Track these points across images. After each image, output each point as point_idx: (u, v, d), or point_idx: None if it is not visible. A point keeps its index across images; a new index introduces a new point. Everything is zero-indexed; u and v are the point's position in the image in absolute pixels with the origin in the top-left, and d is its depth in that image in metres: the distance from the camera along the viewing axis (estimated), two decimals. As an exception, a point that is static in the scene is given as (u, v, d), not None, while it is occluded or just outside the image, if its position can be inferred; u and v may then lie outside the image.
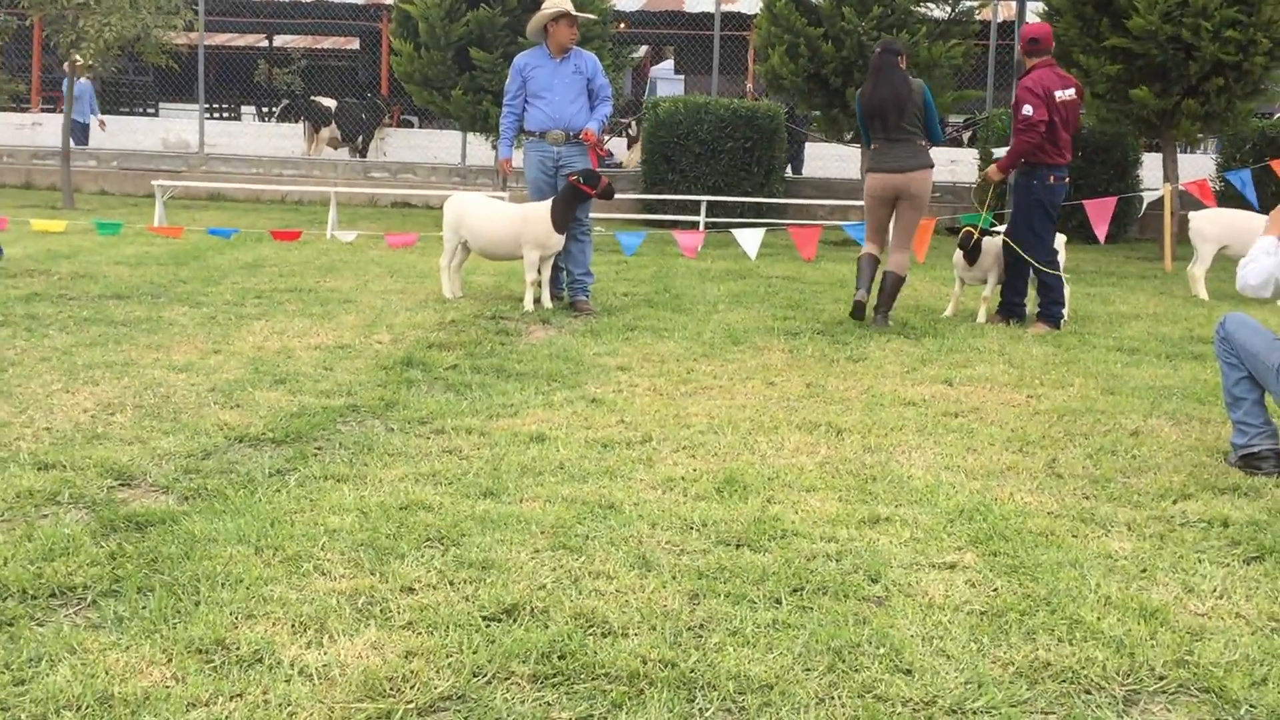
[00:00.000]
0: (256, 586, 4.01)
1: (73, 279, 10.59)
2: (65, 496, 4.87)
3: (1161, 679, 3.59)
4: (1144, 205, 16.45)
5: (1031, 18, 16.79)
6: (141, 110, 28.66)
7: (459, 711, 3.32)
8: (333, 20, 30.77)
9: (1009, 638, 3.81)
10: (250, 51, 35.84)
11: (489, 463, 5.52)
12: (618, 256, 13.33)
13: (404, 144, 24.38)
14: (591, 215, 10.55)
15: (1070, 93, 9.69)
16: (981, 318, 9.91)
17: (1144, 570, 4.41)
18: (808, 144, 22.29)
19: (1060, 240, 10.00)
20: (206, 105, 23.92)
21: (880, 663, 3.62)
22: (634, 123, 23.29)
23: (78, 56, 18.36)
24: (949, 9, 17.80)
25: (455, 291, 10.36)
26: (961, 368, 7.95)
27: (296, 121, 24.71)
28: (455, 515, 4.76)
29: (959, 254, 9.99)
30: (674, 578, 4.20)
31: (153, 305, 9.37)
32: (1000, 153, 11.20)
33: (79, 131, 22.46)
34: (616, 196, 10.77)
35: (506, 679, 3.47)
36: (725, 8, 22.55)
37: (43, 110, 26.22)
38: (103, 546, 4.32)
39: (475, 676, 3.47)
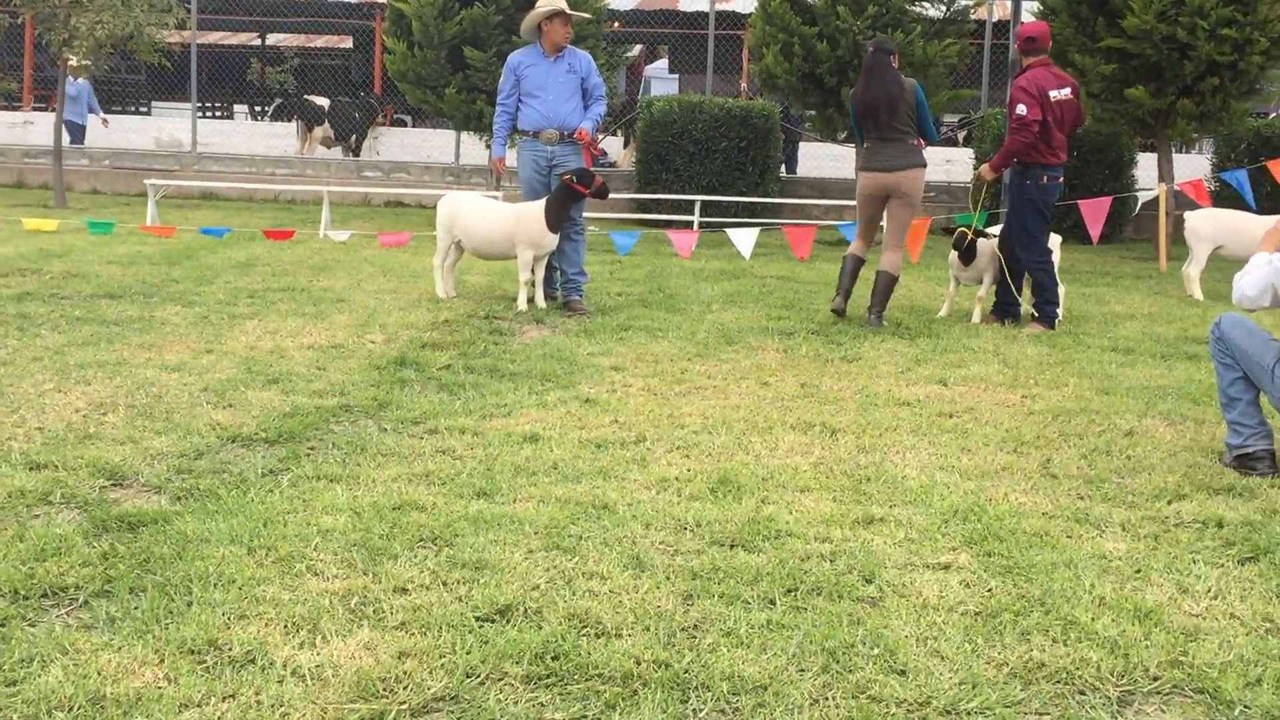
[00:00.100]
0: (249, 587, 4.00)
1: (65, 278, 10.57)
2: (57, 496, 4.86)
3: (1156, 680, 3.59)
4: (1139, 205, 16.47)
5: (1026, 17, 16.79)
6: (134, 109, 28.63)
7: (452, 712, 3.31)
8: (326, 19, 30.74)
9: (1003, 638, 3.81)
10: (243, 50, 35.82)
11: (482, 463, 5.51)
12: (611, 256, 13.33)
13: (397, 143, 24.37)
14: (585, 215, 10.54)
15: (1066, 92, 9.68)
16: (976, 318, 9.91)
17: (1138, 571, 4.41)
18: (802, 143, 22.28)
19: (1055, 240, 10.00)
20: (199, 104, 23.89)
21: (874, 663, 3.61)
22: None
23: (71, 56, 18.32)
24: (944, 8, 17.79)
25: (448, 291, 10.35)
26: (956, 368, 7.95)
27: (289, 120, 24.68)
28: (448, 515, 4.75)
29: (954, 254, 9.99)
30: (668, 578, 4.19)
31: (145, 305, 9.36)
32: None
33: (76, 132, 22.41)
34: (611, 196, 10.76)
35: (500, 680, 3.47)
36: (720, 7, 22.55)
37: (34, 109, 26.18)
38: (95, 547, 4.32)
39: (468, 677, 3.47)
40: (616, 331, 8.89)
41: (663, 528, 4.71)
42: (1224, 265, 12.17)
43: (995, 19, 20.82)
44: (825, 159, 20.70)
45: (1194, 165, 19.61)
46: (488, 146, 17.12)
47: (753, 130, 17.92)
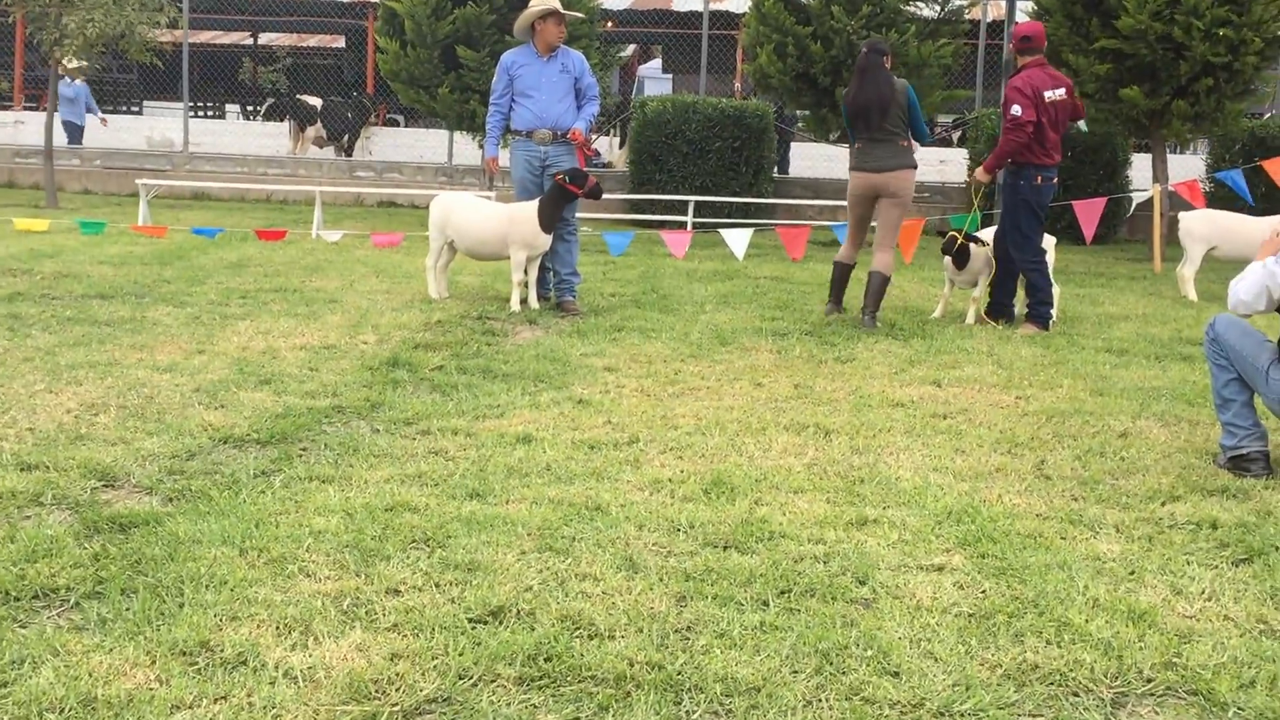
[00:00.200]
0: (241, 588, 3.99)
1: (56, 278, 10.54)
2: (48, 497, 4.84)
3: (1149, 681, 3.59)
4: (1133, 206, 16.47)
5: (1021, 17, 16.79)
6: (125, 108, 28.56)
7: (444, 714, 3.31)
8: (318, 18, 30.69)
9: (997, 640, 3.81)
10: (235, 49, 35.75)
11: (475, 464, 5.50)
12: (605, 257, 13.32)
13: (390, 143, 24.33)
14: (578, 215, 10.53)
15: (1061, 92, 9.69)
16: (970, 319, 9.91)
17: (1132, 572, 4.41)
18: (796, 144, 22.26)
19: (1050, 241, 10.01)
20: (191, 103, 23.83)
21: (868, 665, 3.61)
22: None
23: (68, 57, 18.27)
24: (938, 8, 17.81)
25: (441, 292, 10.33)
26: (950, 369, 7.95)
27: (282, 120, 24.64)
28: (441, 517, 4.74)
29: (947, 258, 9.99)
30: (661, 580, 4.19)
31: (136, 305, 9.34)
32: None
33: (75, 132, 22.34)
34: (604, 196, 10.75)
35: (492, 681, 3.46)
36: (713, 6, 22.54)
37: (25, 109, 26.12)
38: (86, 548, 4.30)
39: (461, 679, 3.46)
40: (610, 332, 8.88)
41: (656, 529, 4.70)
42: (1218, 266, 12.19)
43: (989, 19, 20.81)
44: (820, 159, 20.70)
45: (1188, 166, 19.62)
46: (481, 146, 17.11)
47: (746, 130, 17.91)
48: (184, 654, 3.54)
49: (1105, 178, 17.33)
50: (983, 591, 4.19)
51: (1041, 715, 3.41)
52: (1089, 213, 11.76)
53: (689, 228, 16.51)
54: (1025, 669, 3.62)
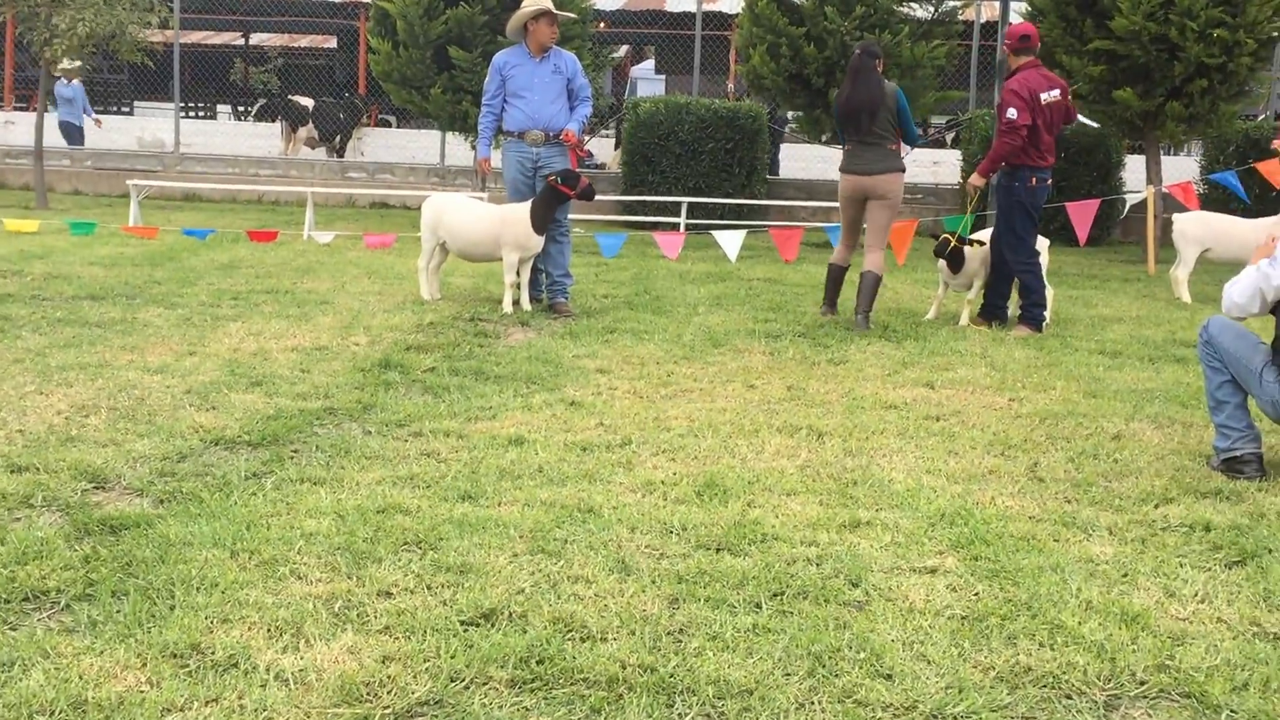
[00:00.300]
0: (232, 590, 3.98)
1: (46, 280, 10.52)
2: (39, 499, 4.83)
3: (1142, 684, 3.59)
4: (1126, 207, 16.47)
5: (1015, 18, 16.77)
6: (116, 109, 28.52)
7: (436, 717, 3.30)
8: (310, 18, 30.64)
9: (990, 642, 3.81)
10: (226, 50, 35.72)
11: (467, 466, 5.49)
12: (597, 258, 13.31)
13: (382, 144, 24.31)
14: (571, 216, 10.51)
15: (1055, 94, 9.69)
16: (964, 320, 9.91)
17: (1125, 575, 4.40)
18: (789, 145, 22.24)
19: (1043, 243, 10.01)
20: (182, 104, 23.80)
21: (860, 667, 3.60)
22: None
23: (64, 59, 18.23)
24: (932, 9, 17.79)
25: (433, 293, 10.32)
26: (943, 371, 7.95)
27: (273, 121, 24.62)
28: (433, 519, 4.73)
29: (942, 262, 9.99)
30: (653, 582, 4.18)
31: (127, 306, 9.31)
32: None
33: (75, 133, 22.27)
34: (596, 198, 10.74)
35: (484, 684, 3.46)
36: (706, 7, 22.53)
37: (15, 109, 26.07)
38: (76, 550, 4.30)
39: (453, 681, 3.45)
40: (602, 334, 8.87)
41: (648, 531, 4.69)
42: (1212, 268, 12.21)
43: (983, 20, 20.82)
44: (813, 160, 20.69)
45: (1182, 167, 19.63)
46: (473, 147, 17.07)
47: (739, 131, 17.91)
48: (175, 656, 3.53)
49: (1099, 179, 17.34)
50: (976, 594, 4.19)
51: (1034, 718, 3.40)
52: (1082, 214, 11.76)
53: (682, 229, 16.50)
54: (1018, 671, 3.62)
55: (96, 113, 23.29)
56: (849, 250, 10.13)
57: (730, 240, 11.84)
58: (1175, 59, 14.65)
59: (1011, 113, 9.50)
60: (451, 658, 3.56)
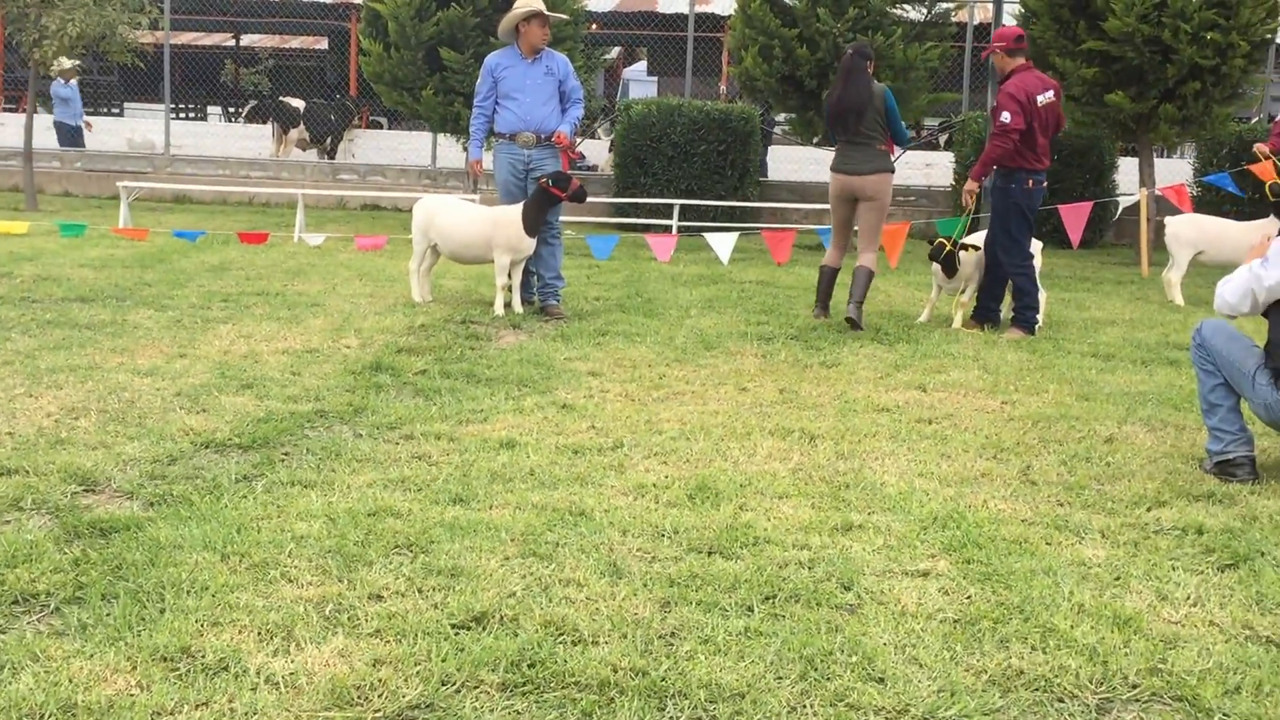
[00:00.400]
0: (222, 594, 3.97)
1: (36, 282, 10.49)
2: (28, 502, 4.82)
3: (1135, 687, 3.59)
4: (1119, 210, 16.48)
5: (1008, 20, 16.78)
6: (106, 110, 28.46)
7: (427, 721, 3.29)
8: (301, 19, 30.62)
9: (982, 646, 3.80)
10: (217, 51, 35.67)
11: (458, 469, 5.48)
12: (589, 261, 13.30)
13: (373, 145, 24.27)
14: (563, 219, 10.50)
15: (1049, 95, 9.69)
16: (957, 323, 9.90)
17: (1117, 578, 4.40)
18: (777, 147, 22.21)
19: (1036, 246, 10.00)
20: (172, 105, 23.76)
21: (852, 671, 3.60)
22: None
23: (62, 59, 18.17)
24: (925, 11, 17.81)
25: (424, 295, 10.30)
26: (935, 373, 7.95)
27: (264, 122, 24.58)
28: (424, 522, 4.72)
29: (936, 265, 9.98)
30: (645, 585, 4.17)
31: (117, 308, 9.29)
32: None
33: (73, 134, 22.19)
34: (588, 200, 10.72)
35: (475, 688, 3.45)
36: (699, 9, 22.53)
37: (5, 110, 26.00)
38: (66, 553, 4.28)
39: (444, 685, 3.45)
40: (594, 336, 8.86)
41: (640, 534, 4.69)
42: (1205, 271, 12.22)
43: (976, 21, 20.83)
44: (806, 162, 20.67)
45: (1175, 170, 19.64)
46: (464, 149, 17.06)
47: (732, 133, 17.91)
48: (165, 660, 3.52)
49: (1092, 182, 17.35)
50: (968, 597, 4.18)
51: (1027, 722, 3.41)
52: (1075, 217, 11.76)
53: (674, 231, 16.49)
54: (1010, 675, 3.62)
55: (87, 114, 23.23)
56: (840, 252, 10.18)
57: (722, 243, 11.84)
58: (1168, 61, 14.66)
59: (1005, 116, 9.49)
60: (442, 661, 3.55)
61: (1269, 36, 15.28)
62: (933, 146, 22.91)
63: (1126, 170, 17.93)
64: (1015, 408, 7.05)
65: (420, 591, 4.06)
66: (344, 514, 4.77)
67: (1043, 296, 9.90)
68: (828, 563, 4.45)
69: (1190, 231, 11.97)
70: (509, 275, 9.91)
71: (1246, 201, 15.18)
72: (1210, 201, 16.21)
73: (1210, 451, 5.80)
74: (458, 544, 4.49)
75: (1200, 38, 14.42)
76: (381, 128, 26.81)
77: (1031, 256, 9.78)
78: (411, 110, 18.61)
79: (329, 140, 23.70)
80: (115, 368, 7.26)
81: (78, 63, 20.07)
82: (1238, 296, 5.78)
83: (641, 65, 33.56)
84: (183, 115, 29.05)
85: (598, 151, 23.58)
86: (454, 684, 3.45)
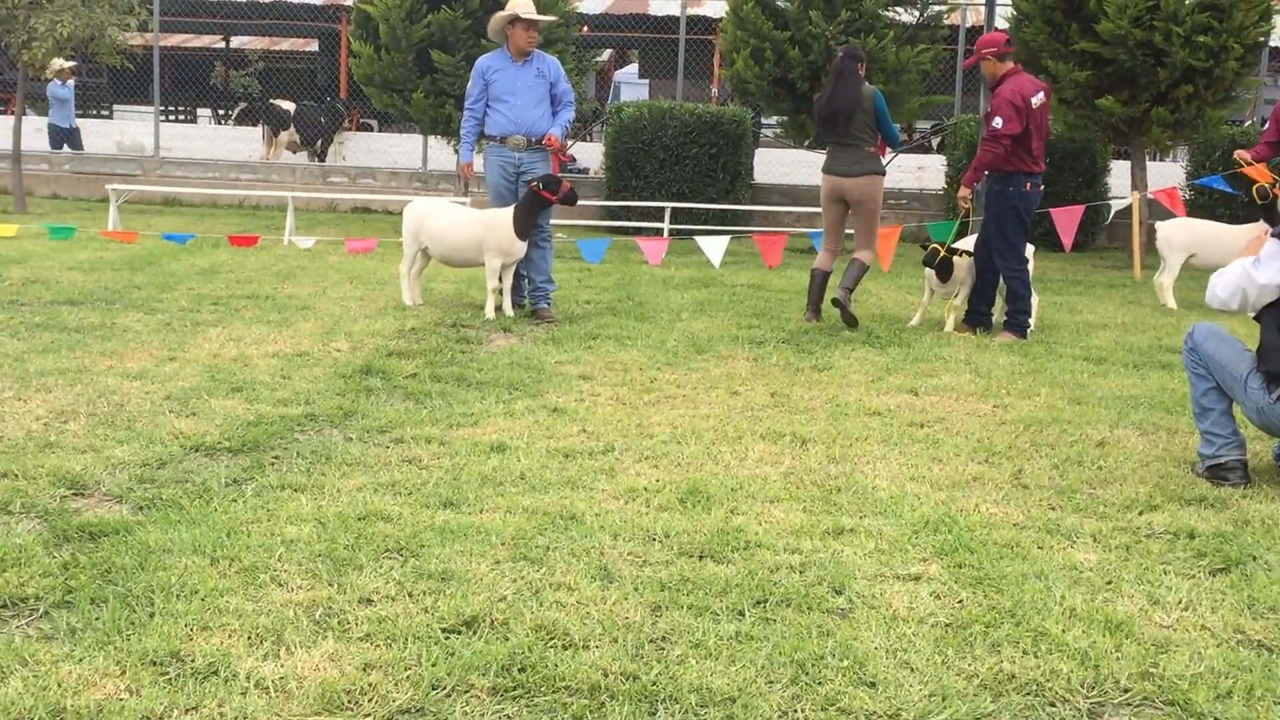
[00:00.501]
0: (212, 598, 3.96)
1: (24, 284, 10.47)
2: (17, 506, 4.80)
3: (1126, 691, 3.59)
4: (1112, 213, 16.49)
5: (1000, 23, 16.77)
6: (95, 112, 28.41)
7: (418, 727, 3.28)
8: (291, 21, 30.59)
9: (973, 650, 3.80)
10: (206, 53, 35.65)
11: (449, 473, 5.47)
12: (580, 264, 13.29)
13: (364, 148, 24.23)
14: (554, 221, 10.49)
15: (1041, 96, 9.68)
16: (949, 327, 9.90)
17: (1109, 582, 4.40)
18: (766, 150, 22.17)
19: (1029, 250, 10.00)
20: (162, 107, 23.70)
21: (844, 675, 3.60)
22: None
23: (58, 59, 18.10)
24: (917, 13, 17.81)
25: (415, 299, 10.29)
26: (927, 377, 7.94)
27: (254, 125, 24.54)
28: (414, 526, 4.71)
29: (930, 271, 9.97)
30: (636, 589, 4.17)
31: (107, 311, 9.27)
32: None
33: (70, 136, 22.10)
34: (580, 203, 10.71)
35: (466, 692, 3.44)
36: (691, 11, 22.50)
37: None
38: (55, 557, 4.27)
39: (434, 689, 3.44)
40: (585, 340, 8.85)
41: (631, 538, 4.68)
42: (1198, 275, 12.20)
43: (969, 24, 20.82)
44: (798, 165, 20.68)
45: (1168, 173, 19.65)
46: (455, 151, 17.05)
47: (723, 136, 17.90)
48: (155, 664, 3.51)
49: (1084, 185, 17.33)
50: (959, 601, 4.18)
51: (1019, 726, 3.40)
52: (1068, 220, 11.76)
53: (665, 235, 16.49)
54: (1002, 679, 3.62)
55: (75, 116, 23.18)
56: (832, 256, 10.21)
57: (714, 246, 11.84)
58: (1161, 64, 14.67)
59: (998, 122, 9.46)
60: (433, 665, 3.55)
61: (1262, 39, 15.29)
62: (925, 149, 22.90)
63: (1119, 173, 17.94)
64: (1007, 411, 7.05)
65: (410, 595, 4.05)
66: (334, 518, 4.76)
67: (1035, 300, 9.90)
68: (819, 567, 4.44)
69: (1181, 235, 11.98)
70: (500, 279, 9.90)
71: (1240, 205, 15.17)
72: (1203, 205, 16.21)
73: (1202, 455, 5.80)
74: (448, 548, 4.48)
75: (1193, 41, 14.42)
76: (372, 130, 26.78)
77: (1027, 260, 9.78)
78: (402, 112, 18.58)
79: (319, 142, 23.67)
80: (104, 371, 7.24)
81: (75, 63, 19.99)
82: (1229, 292, 5.77)
83: (633, 68, 33.55)
84: (172, 117, 29.03)
85: (589, 154, 23.56)
86: (444, 688, 3.45)
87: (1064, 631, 3.92)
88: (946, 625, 3.98)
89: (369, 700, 3.36)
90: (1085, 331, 10.04)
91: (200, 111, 31.15)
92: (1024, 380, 7.94)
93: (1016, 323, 9.60)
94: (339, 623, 3.83)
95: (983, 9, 18.50)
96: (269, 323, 9.06)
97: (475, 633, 3.79)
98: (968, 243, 10.06)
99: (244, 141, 24.06)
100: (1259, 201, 11.54)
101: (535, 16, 10.13)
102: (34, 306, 9.39)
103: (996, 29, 14.18)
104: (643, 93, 28.49)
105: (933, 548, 4.69)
